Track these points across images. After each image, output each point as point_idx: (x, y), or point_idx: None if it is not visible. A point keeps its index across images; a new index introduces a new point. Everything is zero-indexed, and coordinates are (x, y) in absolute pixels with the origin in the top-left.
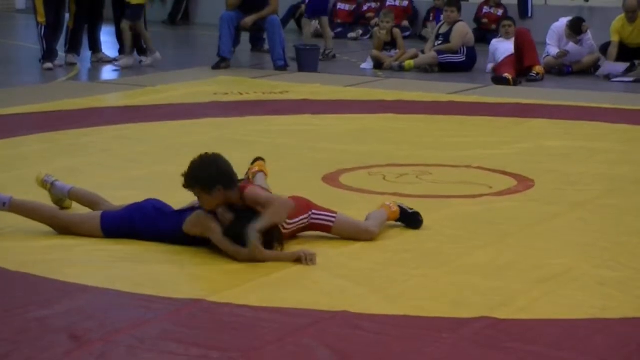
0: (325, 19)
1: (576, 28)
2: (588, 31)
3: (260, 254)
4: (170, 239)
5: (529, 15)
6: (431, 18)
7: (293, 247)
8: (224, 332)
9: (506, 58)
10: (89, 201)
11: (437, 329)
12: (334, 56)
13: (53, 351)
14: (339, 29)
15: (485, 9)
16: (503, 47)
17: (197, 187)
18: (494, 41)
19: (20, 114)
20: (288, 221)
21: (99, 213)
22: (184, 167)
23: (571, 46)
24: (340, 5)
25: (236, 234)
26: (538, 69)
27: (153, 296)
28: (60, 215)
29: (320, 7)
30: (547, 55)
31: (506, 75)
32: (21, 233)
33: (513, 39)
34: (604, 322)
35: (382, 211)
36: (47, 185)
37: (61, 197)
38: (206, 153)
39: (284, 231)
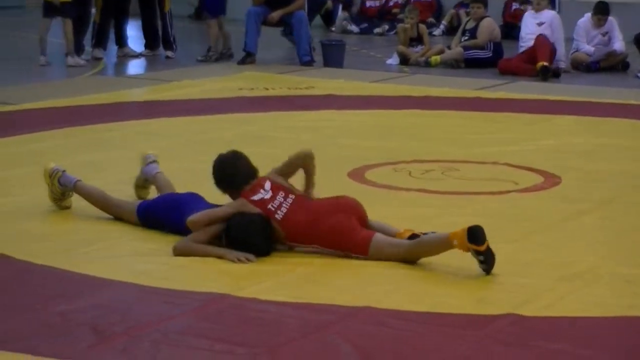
0: (222, 18)
1: (602, 7)
2: (616, 25)
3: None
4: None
5: (556, 10)
6: (457, 8)
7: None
8: (249, 327)
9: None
10: (94, 198)
11: (462, 326)
12: (231, 55)
13: (77, 345)
14: (365, 25)
15: (515, 5)
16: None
17: (220, 188)
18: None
19: (44, 108)
20: (291, 244)
21: (137, 201)
22: (207, 164)
23: (599, 40)
24: (368, 3)
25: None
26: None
27: (178, 291)
28: (113, 203)
29: (219, 6)
30: (575, 51)
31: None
32: (44, 228)
33: (544, 13)
34: (631, 320)
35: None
36: (58, 173)
37: (66, 190)
38: (219, 155)
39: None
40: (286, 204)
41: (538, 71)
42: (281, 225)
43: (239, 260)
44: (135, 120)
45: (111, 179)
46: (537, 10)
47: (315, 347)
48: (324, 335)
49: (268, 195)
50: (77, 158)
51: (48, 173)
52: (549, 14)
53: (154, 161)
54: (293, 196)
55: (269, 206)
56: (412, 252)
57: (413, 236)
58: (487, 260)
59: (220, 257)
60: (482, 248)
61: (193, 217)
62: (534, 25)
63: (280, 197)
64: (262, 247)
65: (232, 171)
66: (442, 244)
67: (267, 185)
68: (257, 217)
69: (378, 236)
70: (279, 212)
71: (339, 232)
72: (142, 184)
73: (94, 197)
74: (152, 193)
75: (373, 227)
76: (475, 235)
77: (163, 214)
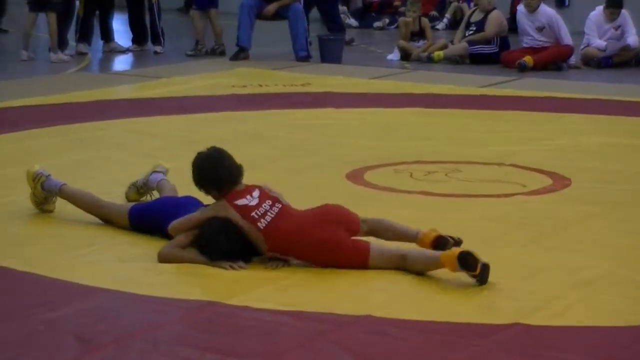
0: (214, 11)
1: (615, 0)
2: (629, 18)
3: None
4: None
5: (566, 4)
6: (460, 1)
7: None
8: (242, 336)
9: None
10: (81, 201)
11: (466, 335)
12: (222, 52)
13: (62, 355)
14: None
15: None
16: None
17: (202, 189)
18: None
19: (29, 106)
20: (274, 254)
21: (129, 204)
22: None
23: (612, 34)
24: None
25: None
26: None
27: (166, 298)
28: (102, 204)
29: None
30: (586, 46)
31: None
32: (28, 232)
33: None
34: None
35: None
36: (42, 177)
37: (49, 195)
38: (198, 154)
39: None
40: (271, 213)
41: (517, 64)
42: (264, 234)
43: (232, 268)
44: (124, 118)
45: (101, 179)
46: (530, 11)
47: (313, 357)
48: (322, 345)
49: (254, 202)
50: (66, 158)
51: (32, 176)
52: (545, 16)
53: (162, 172)
54: (280, 205)
55: (253, 213)
56: (401, 265)
57: (438, 239)
58: (482, 279)
59: (206, 264)
60: (476, 273)
61: (173, 224)
62: (532, 29)
63: (266, 205)
64: (227, 254)
65: (217, 171)
66: (432, 264)
67: (256, 193)
68: (223, 225)
69: (374, 247)
70: (262, 220)
71: (327, 248)
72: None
73: (80, 200)
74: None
75: (377, 227)
76: (465, 262)
77: (159, 217)
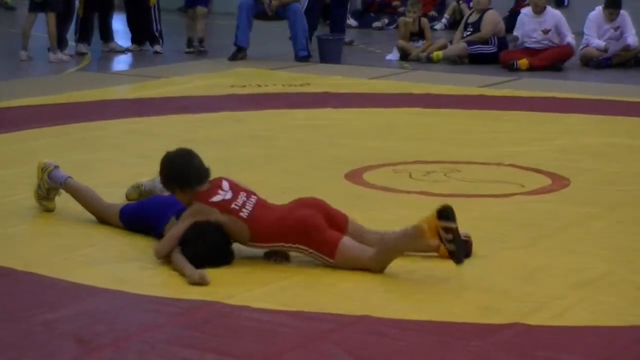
0: (200, 10)
1: (614, 1)
2: (628, 18)
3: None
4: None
5: (565, 3)
6: (460, 2)
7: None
8: (241, 337)
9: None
10: (83, 198)
11: (465, 336)
12: (204, 52)
13: (60, 357)
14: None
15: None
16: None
17: (169, 188)
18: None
19: (28, 106)
20: (255, 244)
21: (120, 204)
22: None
23: (611, 34)
24: None
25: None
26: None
27: (165, 298)
28: (101, 204)
29: None
30: (586, 46)
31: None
32: (27, 232)
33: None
34: None
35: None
36: (50, 167)
37: (52, 187)
38: (167, 153)
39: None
40: (250, 204)
41: (507, 65)
42: (248, 224)
43: (195, 284)
44: (123, 118)
45: (100, 179)
46: (537, 12)
47: (312, 358)
48: (321, 345)
49: (229, 195)
50: (66, 157)
51: (41, 166)
52: (552, 17)
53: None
54: (255, 197)
55: (232, 206)
56: (380, 255)
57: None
58: (456, 244)
59: (181, 274)
60: (453, 225)
61: (158, 249)
62: (537, 31)
63: (242, 196)
64: (222, 259)
65: (186, 170)
66: (411, 236)
67: (226, 185)
68: (209, 228)
69: (347, 240)
70: (244, 210)
71: (306, 224)
72: (142, 194)
73: (82, 197)
74: None
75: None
76: (446, 213)
77: (150, 217)
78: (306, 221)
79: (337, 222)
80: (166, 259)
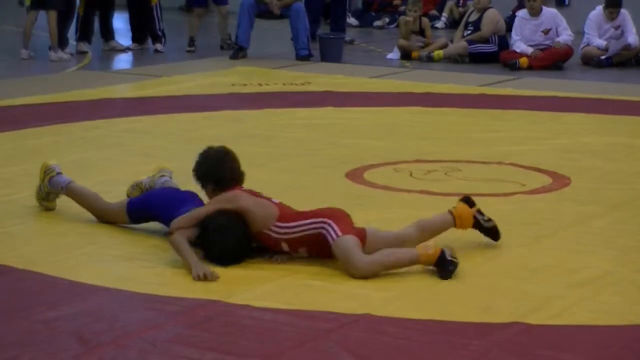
0: (197, 10)
1: (614, 0)
2: (629, 17)
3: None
4: None
5: (566, 3)
6: (460, 3)
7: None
8: (242, 336)
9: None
10: (86, 201)
11: (465, 335)
12: (193, 51)
13: (61, 355)
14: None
15: None
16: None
17: (201, 182)
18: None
19: (29, 104)
20: (279, 224)
21: (126, 199)
22: None
23: (612, 33)
24: None
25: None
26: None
27: (166, 297)
28: (104, 206)
29: None
30: (586, 45)
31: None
32: (28, 231)
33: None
34: None
35: (413, 251)
36: (52, 172)
37: (52, 193)
38: (208, 148)
39: (277, 235)
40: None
41: (508, 64)
42: (277, 207)
43: (199, 278)
44: (124, 117)
45: (101, 178)
46: (533, 14)
47: (312, 357)
48: (322, 344)
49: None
50: (66, 156)
51: (44, 168)
52: (550, 18)
53: (168, 177)
54: (278, 201)
55: (263, 194)
56: (422, 233)
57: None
58: (486, 229)
59: (186, 265)
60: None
61: (175, 221)
62: (538, 32)
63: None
64: (239, 255)
65: (221, 167)
66: (446, 222)
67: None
68: (224, 223)
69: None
70: (273, 199)
71: (338, 209)
72: (143, 191)
73: (85, 200)
74: None
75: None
76: (471, 201)
77: (158, 206)
78: (337, 209)
79: (359, 230)
80: (173, 239)
